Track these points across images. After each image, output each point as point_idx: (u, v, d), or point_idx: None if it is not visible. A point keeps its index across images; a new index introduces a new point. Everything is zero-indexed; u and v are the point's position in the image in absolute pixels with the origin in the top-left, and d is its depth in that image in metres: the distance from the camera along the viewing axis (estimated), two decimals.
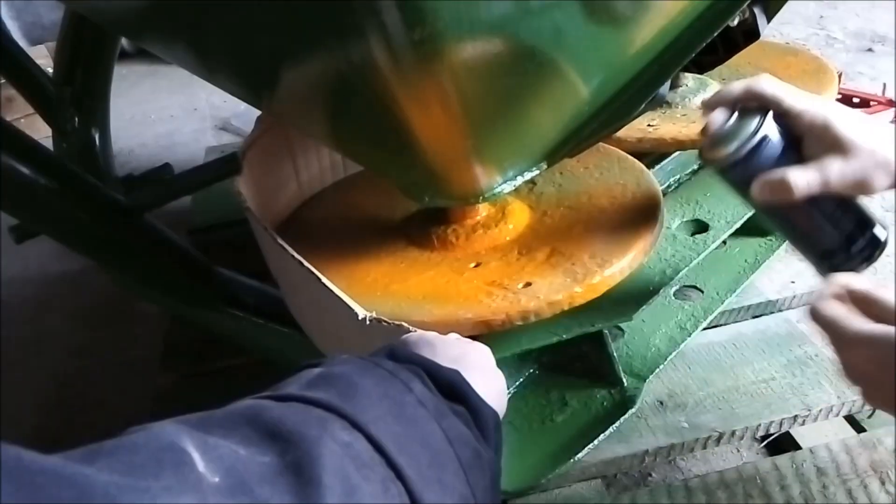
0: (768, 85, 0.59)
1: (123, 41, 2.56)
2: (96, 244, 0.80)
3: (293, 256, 0.61)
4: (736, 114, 0.60)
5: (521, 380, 0.85)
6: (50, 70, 1.10)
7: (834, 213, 0.60)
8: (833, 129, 0.56)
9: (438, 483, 0.31)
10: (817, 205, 0.59)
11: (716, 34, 0.62)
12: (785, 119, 0.59)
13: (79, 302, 1.32)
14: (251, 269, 0.91)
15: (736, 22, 0.84)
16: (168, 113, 2.24)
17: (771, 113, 0.59)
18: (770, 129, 0.58)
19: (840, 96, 1.21)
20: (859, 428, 0.84)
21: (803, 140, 0.59)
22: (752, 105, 0.60)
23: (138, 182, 0.89)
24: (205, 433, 0.27)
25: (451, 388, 0.37)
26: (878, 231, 0.62)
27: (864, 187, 0.57)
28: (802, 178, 0.57)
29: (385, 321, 0.53)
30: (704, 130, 0.62)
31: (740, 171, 0.60)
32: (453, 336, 0.46)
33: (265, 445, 0.28)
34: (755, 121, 0.59)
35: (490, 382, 0.42)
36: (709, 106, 0.62)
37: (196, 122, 2.14)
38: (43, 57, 2.02)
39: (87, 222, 0.76)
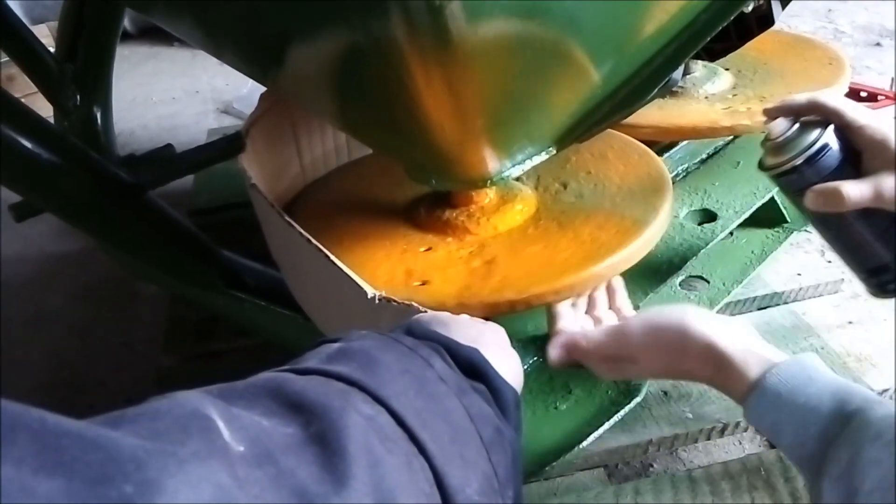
0: (831, 98, 0.60)
1: (126, 21, 2.54)
2: (98, 221, 0.79)
3: (301, 233, 0.60)
4: (797, 124, 0.61)
5: (526, 367, 0.85)
6: (52, 49, 1.09)
7: (887, 230, 0.60)
8: (893, 145, 0.56)
9: (461, 459, 0.31)
10: (871, 220, 0.60)
11: (730, 20, 0.61)
12: (845, 132, 0.59)
13: (80, 282, 1.31)
14: (252, 252, 0.90)
15: (750, 8, 0.83)
16: (170, 95, 2.22)
17: (832, 125, 0.60)
18: (829, 140, 0.59)
19: (848, 90, 1.19)
20: None
21: (863, 155, 0.59)
22: (814, 116, 0.61)
23: (140, 162, 0.88)
24: (227, 404, 0.26)
25: (471, 366, 0.36)
26: None
27: None
28: (856, 190, 0.57)
29: (395, 300, 0.52)
30: (766, 137, 0.63)
31: (796, 180, 0.61)
32: (465, 316, 0.45)
33: (288, 417, 0.28)
34: (815, 132, 0.60)
35: (507, 361, 0.41)
36: (771, 114, 0.63)
37: (198, 104, 2.13)
38: (44, 36, 2.00)
39: (89, 199, 0.75)
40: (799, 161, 0.60)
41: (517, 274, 0.64)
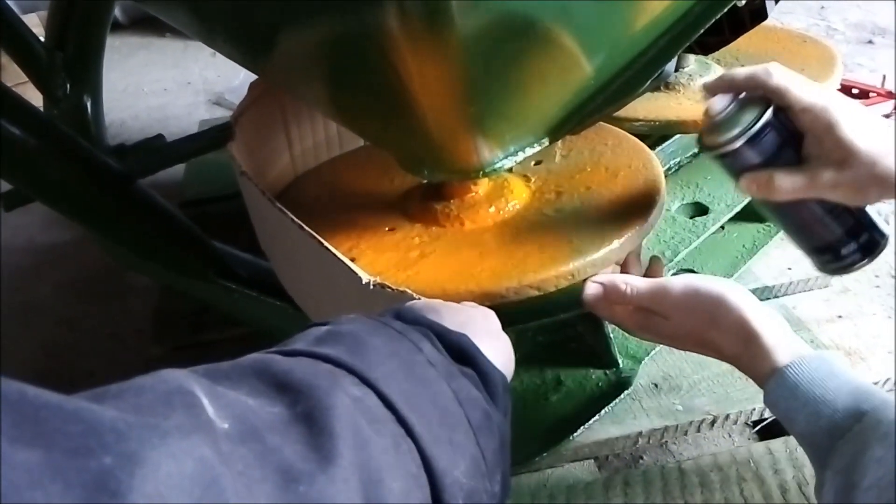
0: (776, 74, 0.55)
1: (117, 11, 2.52)
2: (88, 210, 0.79)
3: (292, 220, 0.59)
4: (736, 101, 0.57)
5: (517, 359, 0.85)
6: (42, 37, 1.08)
7: (830, 212, 0.58)
8: (836, 132, 0.53)
9: (449, 443, 0.31)
10: (812, 203, 0.58)
11: (723, 12, 0.60)
12: (787, 113, 0.56)
13: (70, 272, 1.31)
14: (241, 244, 0.90)
15: (743, 2, 0.83)
16: (161, 86, 2.21)
17: (773, 106, 0.56)
18: (768, 122, 0.55)
19: (840, 86, 1.20)
20: None
21: (805, 138, 0.56)
22: (756, 94, 0.57)
23: (130, 151, 0.88)
24: (212, 383, 0.26)
25: (460, 351, 0.36)
26: (876, 233, 0.60)
27: (855, 198, 0.56)
28: (789, 183, 0.55)
29: (389, 287, 0.52)
30: (705, 113, 0.59)
31: (731, 162, 0.59)
32: (455, 303, 0.45)
33: (275, 397, 0.27)
34: (755, 112, 0.56)
35: (497, 346, 0.41)
36: (710, 89, 0.59)
37: (189, 95, 2.12)
38: (35, 26, 1.98)
39: (79, 187, 0.75)
40: (737, 143, 0.56)
41: (428, 274, 0.64)
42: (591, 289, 0.62)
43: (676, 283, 0.59)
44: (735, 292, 0.56)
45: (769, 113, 0.55)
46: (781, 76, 0.55)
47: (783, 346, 0.53)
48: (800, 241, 0.63)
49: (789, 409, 0.51)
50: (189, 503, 0.20)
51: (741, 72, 0.57)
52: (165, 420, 0.22)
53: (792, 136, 0.56)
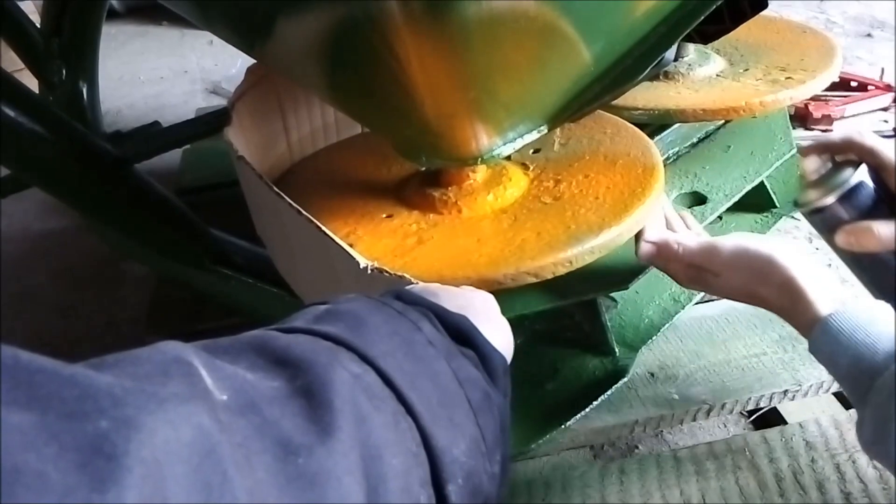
0: (866, 136, 0.61)
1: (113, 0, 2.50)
2: (83, 195, 0.78)
3: (290, 205, 0.59)
4: (830, 162, 0.62)
5: (514, 346, 0.85)
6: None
7: None
8: None
9: (449, 421, 0.30)
10: None
11: (722, 0, 0.60)
12: (880, 172, 0.60)
13: (64, 261, 1.30)
14: (236, 233, 0.90)
15: None
16: (158, 74, 2.20)
17: (865, 165, 0.60)
18: (863, 179, 0.60)
19: (839, 79, 1.19)
20: (848, 405, 0.84)
21: None
22: (849, 155, 0.62)
23: (126, 137, 0.87)
24: (211, 356, 0.26)
25: (460, 332, 0.36)
26: None
27: None
28: (888, 231, 0.59)
29: (387, 271, 0.52)
30: (800, 175, 0.65)
31: (829, 218, 0.62)
32: (454, 287, 0.45)
33: (274, 371, 0.27)
34: (849, 170, 0.60)
35: (497, 329, 0.41)
36: (806, 151, 0.64)
37: (186, 84, 2.11)
38: (31, 12, 1.97)
39: (75, 171, 0.74)
40: (831, 199, 0.60)
41: (426, 261, 0.64)
42: (646, 248, 0.67)
43: (727, 242, 0.63)
44: (783, 253, 0.60)
45: (863, 169, 0.60)
46: (873, 138, 0.61)
47: (828, 298, 0.56)
48: (890, 297, 0.63)
49: (833, 354, 0.54)
50: (187, 471, 0.20)
51: (835, 134, 0.63)
52: (163, 388, 0.22)
53: (885, 194, 0.60)
